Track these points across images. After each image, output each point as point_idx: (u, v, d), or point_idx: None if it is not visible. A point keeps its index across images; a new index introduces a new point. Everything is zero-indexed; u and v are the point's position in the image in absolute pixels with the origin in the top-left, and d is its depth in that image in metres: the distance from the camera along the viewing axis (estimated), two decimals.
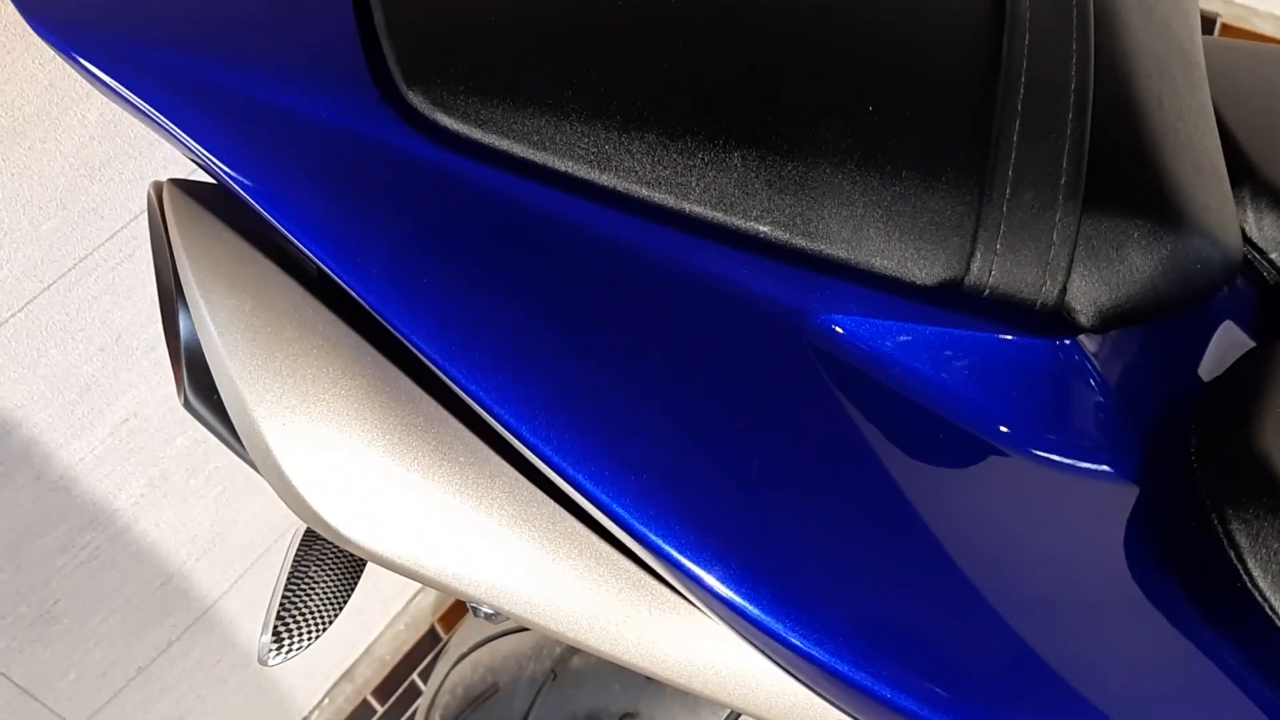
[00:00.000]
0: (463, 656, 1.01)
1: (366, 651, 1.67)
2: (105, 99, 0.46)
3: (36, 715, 1.16)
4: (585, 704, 0.90)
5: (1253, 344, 0.58)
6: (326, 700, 1.63)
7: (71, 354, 0.99)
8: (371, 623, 1.66)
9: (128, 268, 1.00)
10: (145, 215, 0.97)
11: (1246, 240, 0.62)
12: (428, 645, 1.72)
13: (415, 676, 1.71)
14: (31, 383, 0.98)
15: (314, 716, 1.62)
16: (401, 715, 1.70)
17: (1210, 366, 0.55)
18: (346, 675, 1.65)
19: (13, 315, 0.94)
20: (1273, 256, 0.62)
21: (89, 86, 0.45)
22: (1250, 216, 0.62)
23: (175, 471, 1.15)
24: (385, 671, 1.68)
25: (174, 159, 1.00)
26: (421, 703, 1.06)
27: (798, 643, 0.39)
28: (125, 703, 1.27)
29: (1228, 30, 1.31)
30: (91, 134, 0.90)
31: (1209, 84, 0.63)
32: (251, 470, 0.69)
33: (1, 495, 1.01)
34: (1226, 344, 0.57)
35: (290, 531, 1.26)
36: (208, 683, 1.38)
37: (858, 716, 0.43)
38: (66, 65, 0.43)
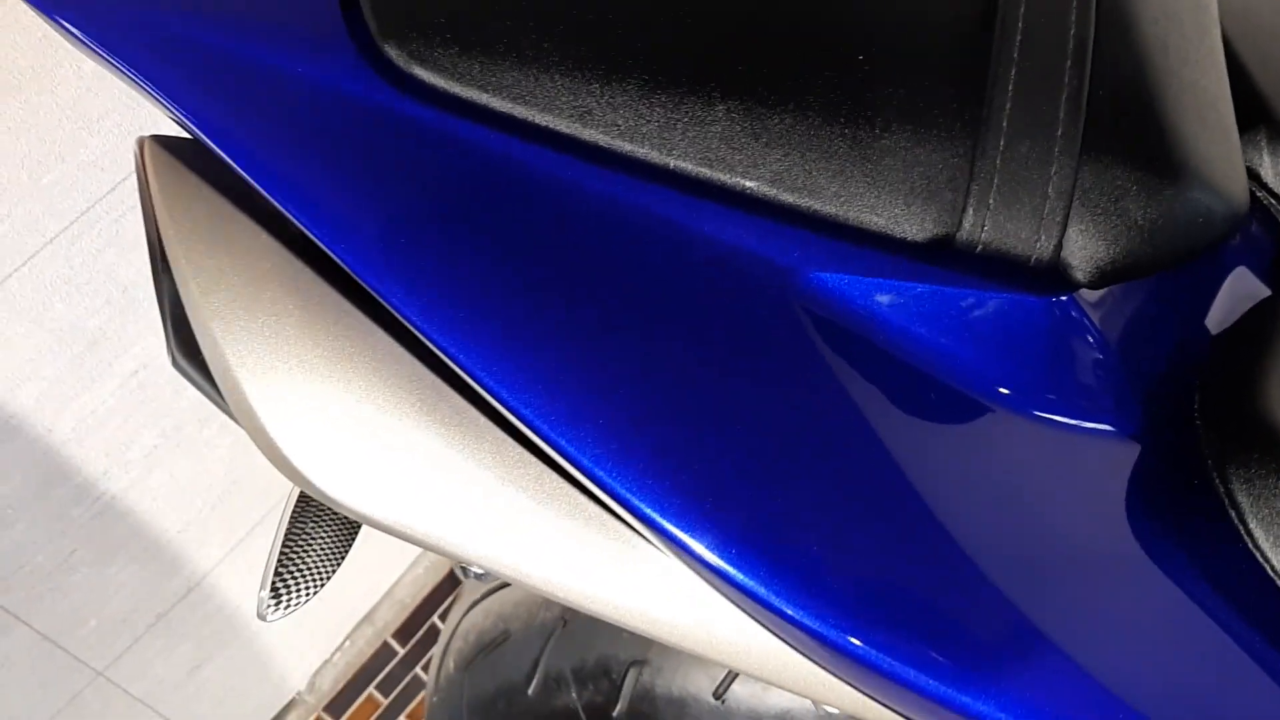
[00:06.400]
0: (475, 604, 1.02)
1: (387, 594, 1.69)
2: None
3: (59, 661, 1.19)
4: (595, 651, 0.90)
5: (1266, 294, 0.56)
6: (348, 643, 1.66)
7: (77, 308, 0.99)
8: (391, 566, 1.68)
9: (131, 219, 0.99)
10: None
11: (1263, 186, 0.59)
12: (447, 588, 1.74)
13: (436, 619, 1.73)
14: (39, 337, 0.98)
15: (336, 658, 1.65)
16: (422, 657, 1.72)
17: (1219, 318, 0.53)
18: (367, 618, 1.67)
19: (15, 270, 0.94)
20: None
21: None
22: (1267, 160, 0.59)
23: (188, 422, 1.15)
24: (406, 614, 1.71)
25: None
26: (436, 649, 1.07)
27: (788, 610, 0.39)
28: (146, 649, 1.29)
29: None
30: (88, 86, 0.89)
31: (1226, 21, 0.60)
32: None
33: (13, 448, 1.02)
34: (1237, 295, 0.55)
35: None
36: (228, 627, 1.40)
37: (851, 682, 0.42)
38: None
